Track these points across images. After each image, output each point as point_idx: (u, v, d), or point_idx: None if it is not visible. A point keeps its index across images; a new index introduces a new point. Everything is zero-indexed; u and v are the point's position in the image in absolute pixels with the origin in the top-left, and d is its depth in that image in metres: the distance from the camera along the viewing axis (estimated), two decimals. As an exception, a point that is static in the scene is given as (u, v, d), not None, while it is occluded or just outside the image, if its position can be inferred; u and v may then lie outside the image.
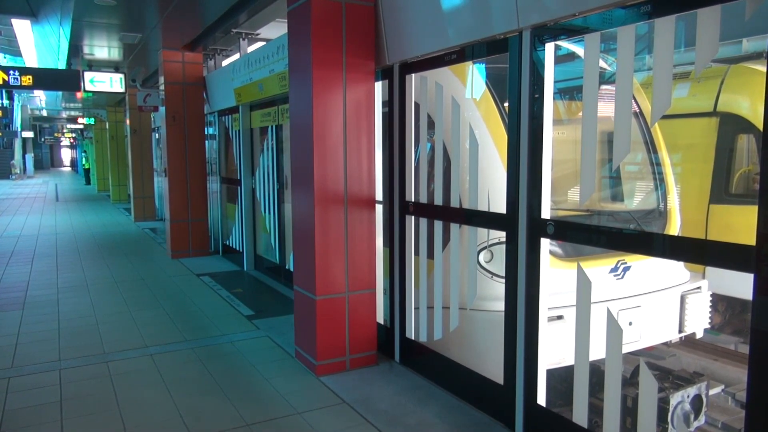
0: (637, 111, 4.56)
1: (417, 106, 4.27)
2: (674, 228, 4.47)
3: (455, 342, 4.04)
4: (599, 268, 3.83)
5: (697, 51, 2.45)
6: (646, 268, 4.02)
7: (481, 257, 3.86)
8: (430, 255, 4.16)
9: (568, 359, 3.16)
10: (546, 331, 3.22)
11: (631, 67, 2.69)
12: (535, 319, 3.19)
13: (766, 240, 2.12)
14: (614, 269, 3.91)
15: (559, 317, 3.56)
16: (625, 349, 3.77)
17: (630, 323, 3.81)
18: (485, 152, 3.89)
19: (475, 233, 3.82)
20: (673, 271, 4.19)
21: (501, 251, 3.51)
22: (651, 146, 4.60)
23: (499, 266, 3.64)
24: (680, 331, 4.12)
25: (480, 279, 3.84)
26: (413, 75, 4.22)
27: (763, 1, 2.15)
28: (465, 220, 3.82)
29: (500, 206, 3.46)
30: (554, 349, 3.39)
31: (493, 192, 3.76)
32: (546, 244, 3.15)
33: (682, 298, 4.09)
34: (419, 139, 4.30)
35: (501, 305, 3.44)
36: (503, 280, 3.42)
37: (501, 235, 3.52)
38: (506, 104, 3.82)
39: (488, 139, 3.95)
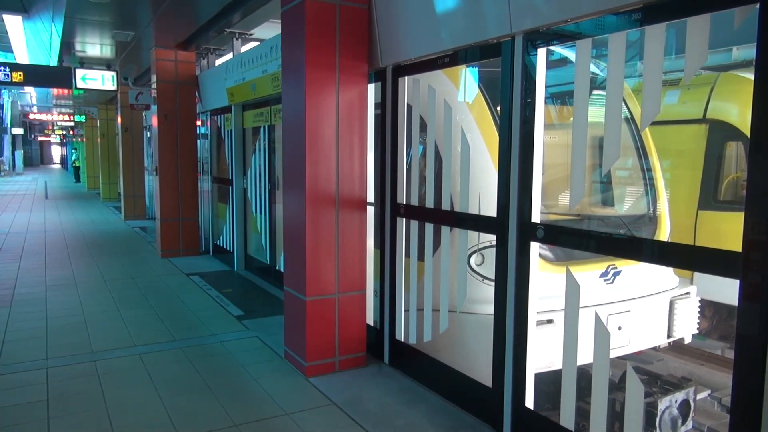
0: (629, 116, 4.59)
1: (409, 107, 4.27)
2: (664, 233, 4.48)
3: (444, 344, 4.05)
4: (589, 272, 3.83)
5: (686, 58, 2.48)
6: (636, 273, 4.03)
7: (473, 260, 3.86)
8: (421, 257, 4.17)
9: (558, 363, 3.18)
10: (536, 335, 3.22)
11: (622, 73, 2.71)
12: (524, 322, 3.20)
13: (752, 246, 2.15)
14: (604, 274, 3.91)
15: (550, 321, 3.56)
16: (614, 354, 3.77)
17: (619, 328, 3.81)
18: (477, 156, 3.91)
19: (465, 236, 3.83)
20: (663, 276, 4.21)
21: (492, 254, 3.51)
22: (642, 152, 4.61)
23: (491, 269, 3.64)
24: (669, 336, 4.14)
25: (471, 282, 3.85)
26: (406, 78, 4.23)
27: (752, 10, 2.17)
28: (456, 223, 3.83)
29: (491, 210, 3.47)
30: (544, 353, 3.39)
31: (484, 195, 3.77)
32: (536, 248, 3.17)
33: (671, 303, 4.11)
34: (412, 142, 4.31)
35: (492, 308, 3.44)
36: (495, 284, 3.42)
37: (492, 238, 3.52)
38: (499, 108, 3.83)
39: (480, 142, 3.96)
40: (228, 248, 8.75)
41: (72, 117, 26.88)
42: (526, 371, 3.23)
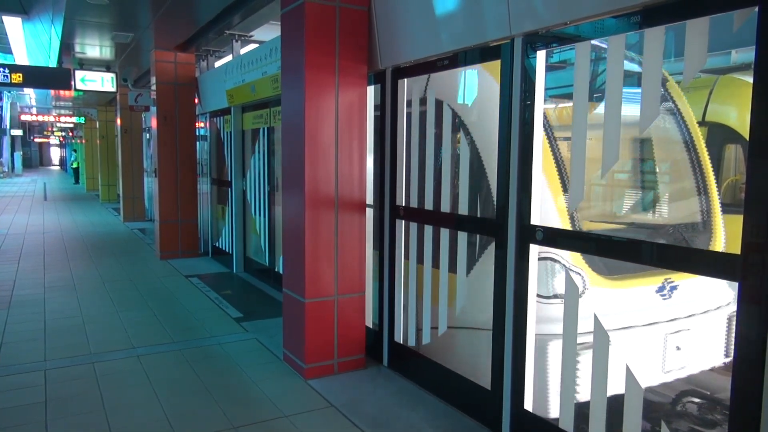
0: (674, 109, 4.17)
1: (440, 102, 4.02)
2: (719, 243, 3.93)
3: (446, 347, 4.04)
4: (645, 287, 3.51)
5: (686, 61, 2.48)
6: (693, 287, 3.64)
7: None
8: (420, 260, 4.16)
9: (612, 389, 2.85)
10: (585, 359, 2.97)
11: (621, 76, 2.71)
12: (523, 324, 3.20)
13: (751, 249, 2.15)
14: (660, 289, 3.55)
15: None
16: (672, 377, 3.53)
17: (677, 348, 3.48)
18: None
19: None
20: (719, 290, 3.77)
21: (539, 268, 3.24)
22: (692, 148, 4.05)
23: (540, 284, 3.32)
24: (726, 356, 3.75)
25: None
26: (405, 80, 4.23)
27: (751, 13, 2.18)
28: (455, 225, 3.83)
29: (541, 214, 3.20)
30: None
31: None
32: (535, 250, 3.17)
33: (730, 320, 3.75)
34: (443, 142, 4.05)
35: (542, 327, 3.13)
36: (546, 301, 3.24)
37: (540, 249, 3.22)
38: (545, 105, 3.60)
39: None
40: (227, 250, 8.75)
41: (58, 118, 26.87)
42: (525, 373, 3.23)
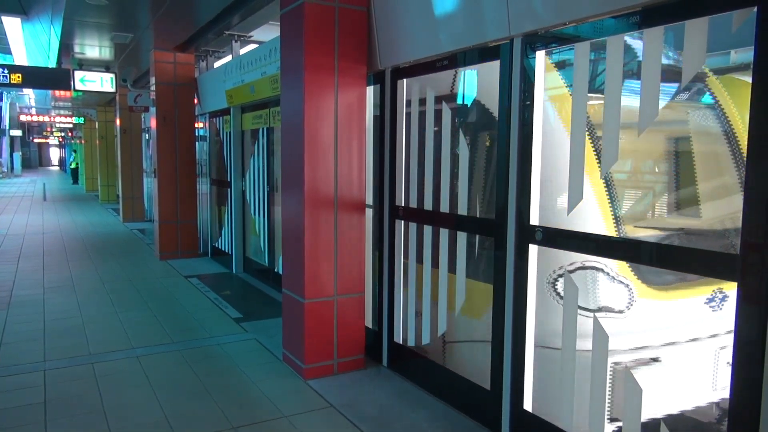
0: (713, 103, 3.97)
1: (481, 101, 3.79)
2: None
3: (445, 348, 4.04)
4: (694, 298, 3.32)
5: (684, 61, 2.48)
6: None
7: (559, 285, 3.26)
8: (419, 260, 4.16)
9: (667, 410, 2.68)
10: (639, 378, 2.81)
11: (620, 76, 2.71)
12: (523, 325, 3.20)
13: (750, 249, 2.15)
14: (711, 300, 3.34)
15: (654, 359, 3.10)
16: (723, 395, 3.34)
17: (728, 364, 3.21)
18: (560, 149, 3.25)
19: (548, 258, 3.23)
20: None
21: (581, 278, 3.10)
22: (735, 145, 3.82)
23: (582, 296, 3.12)
24: None
25: (556, 311, 3.21)
26: (405, 80, 4.24)
27: (750, 13, 2.18)
28: (455, 226, 3.83)
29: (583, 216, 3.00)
30: (650, 400, 2.79)
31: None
32: (534, 250, 3.17)
33: None
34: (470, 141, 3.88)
35: (588, 343, 2.90)
36: (589, 313, 3.05)
37: (584, 258, 3.07)
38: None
39: (562, 132, 3.33)
40: (226, 250, 8.75)
41: (53, 118, 26.88)
42: (524, 374, 3.23)
